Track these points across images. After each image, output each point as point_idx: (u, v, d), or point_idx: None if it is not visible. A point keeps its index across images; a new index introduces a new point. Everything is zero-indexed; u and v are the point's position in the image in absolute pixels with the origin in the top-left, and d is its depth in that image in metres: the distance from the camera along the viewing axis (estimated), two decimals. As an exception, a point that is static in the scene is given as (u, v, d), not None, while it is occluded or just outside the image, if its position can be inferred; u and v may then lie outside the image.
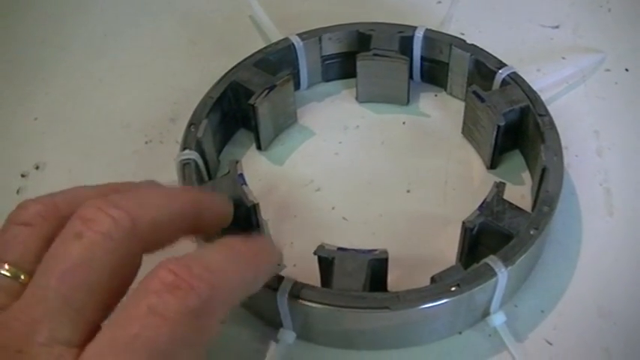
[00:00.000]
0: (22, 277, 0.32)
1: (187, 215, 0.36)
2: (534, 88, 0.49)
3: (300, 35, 0.53)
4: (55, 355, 0.29)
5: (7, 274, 0.32)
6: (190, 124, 0.48)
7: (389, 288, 0.43)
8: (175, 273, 0.30)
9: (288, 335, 0.42)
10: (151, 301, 0.30)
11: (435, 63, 0.54)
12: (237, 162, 0.45)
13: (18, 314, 0.30)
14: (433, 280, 0.41)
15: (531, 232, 0.42)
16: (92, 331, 0.31)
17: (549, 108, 0.48)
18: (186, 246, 0.36)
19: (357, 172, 0.51)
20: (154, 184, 0.39)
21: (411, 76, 0.54)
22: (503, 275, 0.40)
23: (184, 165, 0.46)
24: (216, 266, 0.32)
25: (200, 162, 0.47)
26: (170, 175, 0.47)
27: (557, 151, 0.45)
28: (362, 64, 0.52)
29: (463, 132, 0.52)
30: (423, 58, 0.54)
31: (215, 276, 0.31)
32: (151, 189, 0.37)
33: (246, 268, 0.34)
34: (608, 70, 0.57)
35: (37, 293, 0.30)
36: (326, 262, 0.41)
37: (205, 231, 0.39)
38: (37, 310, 0.30)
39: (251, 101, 0.49)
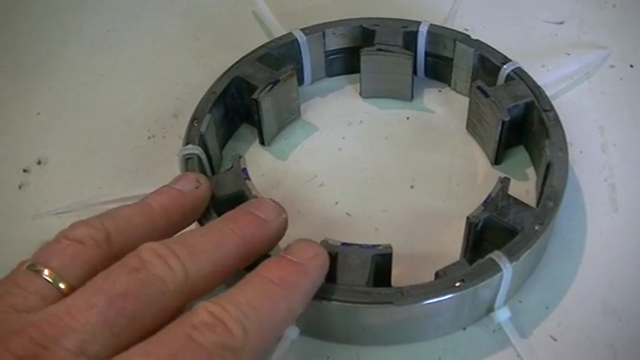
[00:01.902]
0: (62, 285, 0.33)
1: (237, 255, 0.37)
2: (539, 84, 0.49)
3: (303, 30, 0.53)
4: None
5: (48, 279, 0.33)
6: (193, 119, 0.48)
7: (393, 283, 0.43)
8: (212, 313, 0.32)
9: (291, 331, 0.41)
10: (190, 331, 0.31)
11: (439, 58, 0.54)
12: (240, 157, 0.45)
13: (52, 317, 0.30)
14: (437, 275, 0.41)
15: (536, 228, 0.41)
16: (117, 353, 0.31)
17: (554, 104, 0.48)
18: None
19: (361, 168, 0.51)
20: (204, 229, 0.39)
21: (415, 72, 0.54)
22: (507, 271, 0.40)
23: (187, 160, 0.46)
24: (248, 306, 0.33)
25: (203, 157, 0.46)
26: (173, 171, 0.46)
27: (562, 147, 0.45)
28: (366, 59, 0.52)
29: (467, 127, 0.52)
30: (427, 54, 0.54)
31: (247, 316, 0.32)
32: (204, 235, 0.37)
33: (278, 300, 0.34)
34: (612, 66, 0.57)
35: (81, 306, 0.31)
36: (330, 257, 0.41)
37: (256, 257, 0.39)
38: (76, 321, 0.30)
39: (254, 96, 0.49)
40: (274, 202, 0.41)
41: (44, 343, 0.29)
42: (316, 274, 0.37)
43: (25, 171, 0.52)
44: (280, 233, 0.40)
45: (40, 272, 0.33)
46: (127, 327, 0.31)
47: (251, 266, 0.37)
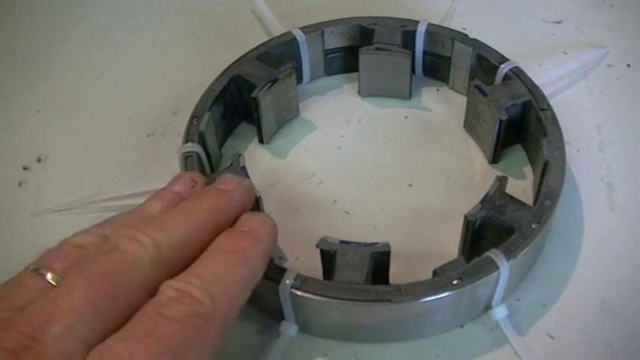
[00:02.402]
0: None
1: (207, 226, 0.38)
2: (537, 83, 0.49)
3: (302, 29, 0.53)
4: (67, 351, 0.30)
5: (52, 281, 0.34)
6: (193, 116, 0.48)
7: (391, 281, 0.43)
8: (177, 289, 0.33)
9: (290, 328, 0.42)
10: (160, 309, 0.32)
11: (437, 57, 0.54)
12: (239, 155, 0.45)
13: (37, 309, 0.31)
14: (435, 273, 0.41)
15: (533, 226, 0.42)
16: (107, 336, 0.32)
17: (551, 103, 0.48)
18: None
19: (359, 166, 0.51)
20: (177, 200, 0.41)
21: (413, 71, 0.54)
22: (505, 269, 0.40)
23: (187, 157, 0.46)
24: (210, 275, 0.34)
25: (202, 155, 0.47)
26: (172, 168, 0.47)
27: (560, 146, 0.45)
28: (364, 58, 0.52)
29: (465, 126, 0.52)
30: (425, 53, 0.54)
31: (211, 284, 0.34)
32: (171, 213, 0.38)
33: (237, 266, 0.36)
34: (610, 65, 0.57)
35: (62, 292, 0.32)
36: (328, 255, 0.41)
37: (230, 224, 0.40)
38: (59, 307, 0.31)
39: (253, 94, 0.49)
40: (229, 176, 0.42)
41: (32, 333, 0.30)
42: (267, 239, 0.39)
43: (24, 168, 0.52)
44: (245, 200, 0.41)
45: (43, 275, 0.34)
46: (111, 306, 0.32)
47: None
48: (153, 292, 0.34)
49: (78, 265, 0.33)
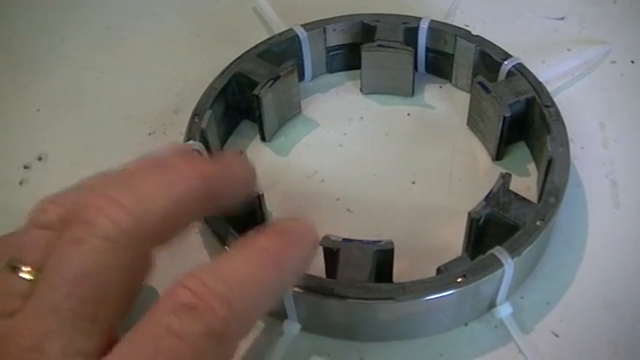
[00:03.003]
0: None
1: (196, 197, 0.33)
2: (539, 80, 0.49)
3: (304, 26, 0.53)
4: None
5: (27, 276, 0.31)
6: (194, 114, 0.48)
7: (394, 279, 0.43)
8: (193, 291, 0.29)
9: (292, 327, 0.41)
10: (168, 321, 0.29)
11: (440, 54, 0.54)
12: (241, 152, 0.45)
13: (30, 324, 0.29)
14: (439, 271, 0.41)
15: (537, 223, 0.41)
16: (108, 337, 0.30)
17: (554, 100, 0.48)
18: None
19: (362, 164, 0.51)
20: (151, 165, 0.34)
21: (415, 68, 0.54)
22: (509, 266, 0.40)
23: (188, 156, 0.45)
24: (236, 279, 0.30)
25: (204, 152, 0.46)
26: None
27: (564, 142, 0.45)
28: (366, 55, 0.52)
29: (468, 123, 0.52)
30: (427, 50, 0.54)
31: (233, 291, 0.30)
32: (149, 175, 0.33)
33: (270, 272, 0.32)
34: (613, 61, 0.57)
35: (44, 308, 0.29)
36: (331, 253, 0.41)
37: (226, 207, 0.36)
38: (48, 326, 0.29)
39: (255, 92, 0.49)
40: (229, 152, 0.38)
41: (31, 357, 0.28)
42: (308, 247, 0.35)
43: (25, 167, 0.52)
44: (245, 179, 0.38)
45: (17, 270, 0.31)
46: (99, 309, 0.29)
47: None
48: (137, 271, 0.31)
49: (47, 265, 0.30)
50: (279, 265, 0.32)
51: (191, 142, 0.46)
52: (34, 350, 0.28)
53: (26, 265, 0.31)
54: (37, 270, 0.31)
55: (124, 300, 0.31)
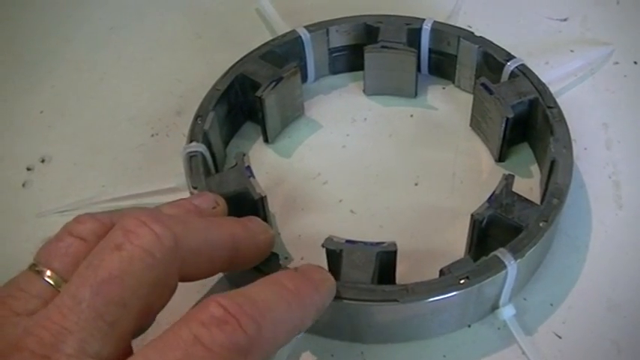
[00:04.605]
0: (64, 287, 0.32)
1: (224, 247, 0.36)
2: (542, 80, 0.49)
3: (307, 27, 0.53)
4: None
5: (50, 280, 0.32)
6: (197, 116, 0.48)
7: (397, 280, 0.43)
8: (225, 308, 0.30)
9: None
10: (197, 331, 0.30)
11: (443, 55, 0.54)
12: (244, 154, 0.45)
13: (46, 322, 0.30)
14: (442, 272, 0.41)
15: (541, 225, 0.41)
16: (123, 347, 0.31)
17: (558, 101, 0.48)
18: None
19: (365, 165, 0.51)
20: (189, 209, 0.39)
21: (418, 69, 0.54)
22: (512, 268, 0.40)
23: (191, 157, 0.46)
24: (264, 305, 0.32)
25: (207, 154, 0.46)
26: (177, 168, 0.47)
27: (567, 144, 0.45)
28: (369, 56, 0.52)
29: (471, 124, 0.52)
30: (431, 51, 0.54)
31: (262, 314, 0.31)
32: (190, 215, 0.38)
33: (293, 307, 0.34)
34: (616, 62, 0.57)
35: (69, 303, 0.30)
36: (334, 255, 0.41)
37: (242, 266, 0.39)
38: (69, 320, 0.30)
39: (258, 93, 0.49)
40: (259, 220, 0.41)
41: (45, 352, 0.29)
42: (326, 294, 0.37)
43: (28, 169, 0.52)
44: (266, 248, 0.40)
45: (41, 273, 0.32)
46: (120, 314, 0.30)
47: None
48: (164, 290, 0.33)
49: (81, 264, 0.32)
50: (301, 304, 0.35)
51: (194, 143, 0.46)
52: (51, 346, 0.29)
53: (52, 270, 0.32)
54: (60, 277, 0.32)
55: (144, 314, 0.32)
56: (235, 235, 0.37)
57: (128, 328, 0.31)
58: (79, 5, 0.65)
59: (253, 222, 0.40)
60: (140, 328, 0.33)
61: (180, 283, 0.34)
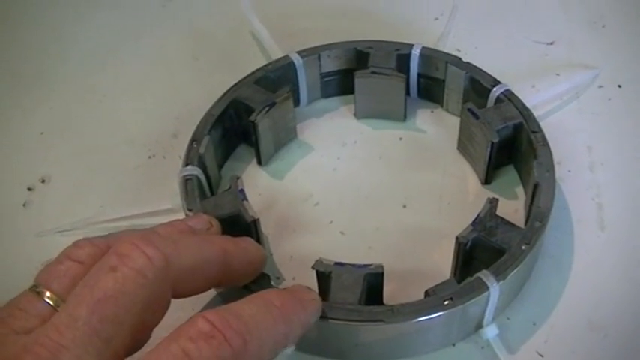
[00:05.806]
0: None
1: (217, 263, 0.38)
2: (529, 104, 0.50)
3: (299, 53, 0.54)
4: None
5: (50, 301, 0.34)
6: (192, 140, 0.49)
7: (385, 300, 0.44)
8: (212, 323, 0.32)
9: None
10: (185, 345, 0.31)
11: (431, 80, 0.55)
12: (237, 178, 0.46)
13: (43, 339, 0.31)
14: (427, 293, 0.42)
15: (523, 247, 0.43)
16: None
17: (543, 124, 0.49)
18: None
19: (355, 187, 0.52)
20: (182, 229, 0.41)
21: (408, 93, 0.55)
22: (495, 289, 0.41)
23: (187, 181, 0.47)
24: (250, 320, 0.33)
25: (202, 177, 0.48)
26: (173, 190, 0.48)
27: (550, 168, 0.46)
28: (360, 81, 0.54)
29: (458, 148, 0.53)
30: (419, 75, 0.55)
31: (248, 329, 0.33)
32: (183, 235, 0.40)
33: (278, 323, 0.35)
34: (601, 86, 0.58)
35: (66, 320, 0.32)
36: (323, 276, 0.42)
37: (234, 281, 0.41)
38: (65, 337, 0.31)
39: (252, 118, 0.50)
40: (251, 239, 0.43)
41: None
42: (312, 313, 0.39)
43: (29, 189, 0.53)
44: (258, 263, 0.42)
45: (41, 294, 0.34)
46: (115, 332, 0.32)
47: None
48: (157, 307, 0.34)
49: (78, 284, 0.33)
50: (287, 320, 0.36)
51: (189, 167, 0.47)
52: None
53: (51, 291, 0.34)
54: (59, 297, 0.34)
55: (139, 330, 0.34)
56: (227, 250, 0.39)
57: (123, 345, 0.32)
58: (76, 28, 0.66)
59: (245, 241, 0.42)
60: (136, 345, 0.35)
61: (174, 300, 0.36)
